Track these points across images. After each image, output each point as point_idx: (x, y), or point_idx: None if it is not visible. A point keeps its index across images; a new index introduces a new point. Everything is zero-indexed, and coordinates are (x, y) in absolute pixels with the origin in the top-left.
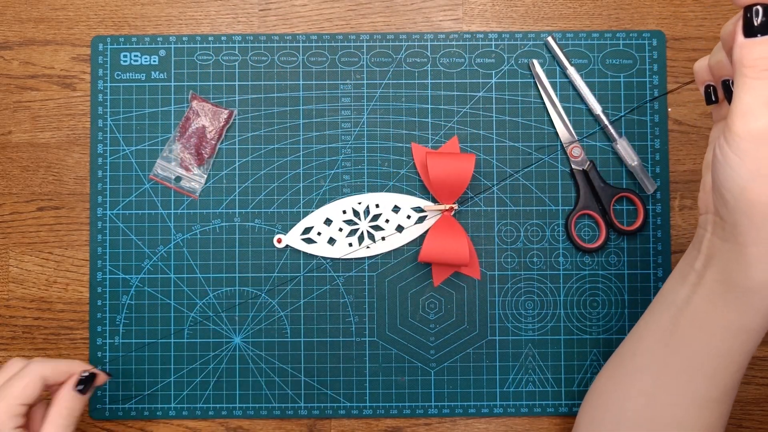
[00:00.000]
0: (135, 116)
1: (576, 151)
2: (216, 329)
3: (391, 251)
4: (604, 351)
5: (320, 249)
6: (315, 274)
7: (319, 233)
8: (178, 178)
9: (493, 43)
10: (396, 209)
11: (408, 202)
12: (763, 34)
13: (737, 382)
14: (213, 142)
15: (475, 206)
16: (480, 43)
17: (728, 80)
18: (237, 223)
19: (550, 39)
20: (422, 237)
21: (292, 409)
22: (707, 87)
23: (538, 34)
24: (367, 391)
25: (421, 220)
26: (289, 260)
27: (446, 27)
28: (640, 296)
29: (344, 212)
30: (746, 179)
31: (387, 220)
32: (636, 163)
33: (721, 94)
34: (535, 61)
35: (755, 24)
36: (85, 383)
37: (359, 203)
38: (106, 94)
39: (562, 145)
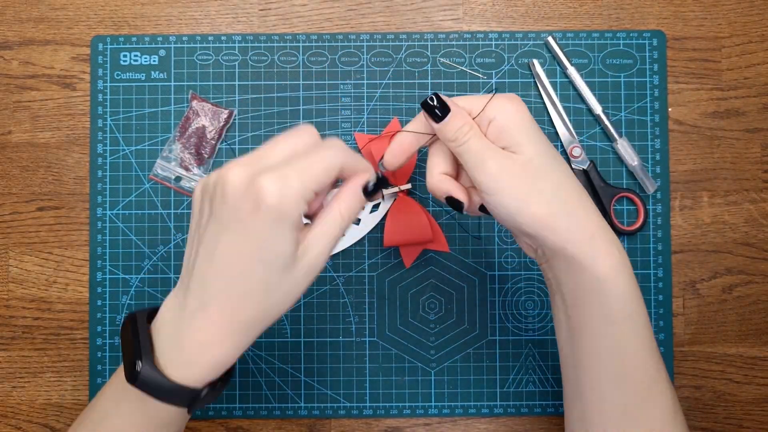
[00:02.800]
0: (135, 116)
1: (576, 151)
2: None
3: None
4: None
5: None
6: None
7: None
8: (178, 178)
9: (493, 43)
10: None
11: None
12: (445, 116)
13: (650, 385)
14: (213, 142)
15: None
16: (480, 43)
17: (449, 196)
18: None
19: (550, 39)
20: (383, 224)
21: (292, 409)
22: (448, 198)
23: (538, 34)
24: (367, 391)
25: (376, 207)
26: None
27: (446, 27)
28: None
29: None
30: (515, 206)
31: None
32: (636, 163)
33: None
34: (535, 61)
35: (437, 112)
36: (374, 187)
37: None
38: (105, 94)
39: (562, 144)
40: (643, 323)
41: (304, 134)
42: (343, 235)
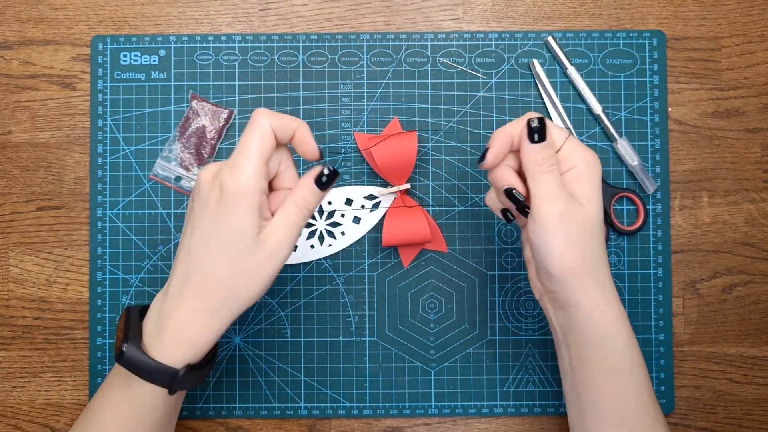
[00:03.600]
0: (135, 116)
1: None
2: None
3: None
4: None
5: None
6: (315, 274)
7: None
8: (178, 178)
9: (493, 43)
10: (349, 202)
11: (359, 192)
12: (540, 141)
13: (651, 426)
14: (213, 142)
15: (475, 206)
16: (480, 43)
17: (510, 189)
18: None
19: (550, 39)
20: (382, 223)
21: (292, 409)
22: (503, 211)
23: (538, 34)
24: (367, 391)
25: (376, 207)
26: (289, 260)
27: (446, 27)
28: (640, 296)
29: None
30: (560, 249)
31: (343, 215)
32: (636, 163)
33: (514, 212)
34: (535, 61)
35: (535, 135)
36: (326, 180)
37: None
38: (105, 94)
39: None
40: (644, 370)
41: (252, 120)
42: (306, 225)
